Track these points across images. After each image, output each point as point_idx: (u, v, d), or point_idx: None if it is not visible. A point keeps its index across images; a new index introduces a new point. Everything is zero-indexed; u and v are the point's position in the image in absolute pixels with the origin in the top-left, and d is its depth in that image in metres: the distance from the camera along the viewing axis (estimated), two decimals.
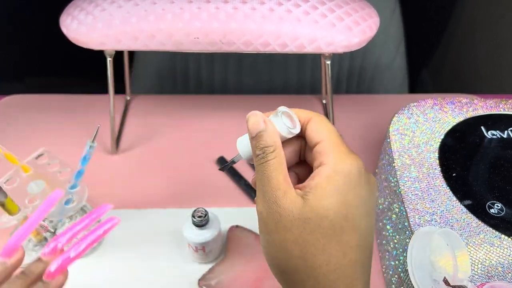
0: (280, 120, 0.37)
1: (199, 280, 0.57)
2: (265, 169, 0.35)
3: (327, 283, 0.33)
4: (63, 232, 0.38)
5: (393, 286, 0.55)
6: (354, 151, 0.85)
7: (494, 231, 0.48)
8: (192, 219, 0.57)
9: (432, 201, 0.51)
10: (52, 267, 0.36)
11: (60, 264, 0.36)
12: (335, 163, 0.34)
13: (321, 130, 0.36)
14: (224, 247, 0.61)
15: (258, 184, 0.35)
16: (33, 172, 0.57)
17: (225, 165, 0.42)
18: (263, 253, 0.36)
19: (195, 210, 0.57)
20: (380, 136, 0.77)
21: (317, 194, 0.33)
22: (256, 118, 0.38)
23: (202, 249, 0.58)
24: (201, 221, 0.57)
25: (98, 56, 0.67)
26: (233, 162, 0.41)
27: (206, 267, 0.59)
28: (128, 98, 0.84)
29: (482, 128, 0.59)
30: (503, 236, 0.47)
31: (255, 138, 0.37)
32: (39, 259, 0.38)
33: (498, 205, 0.51)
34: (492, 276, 0.46)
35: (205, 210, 0.57)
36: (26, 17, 1.20)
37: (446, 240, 0.45)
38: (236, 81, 1.06)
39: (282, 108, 0.37)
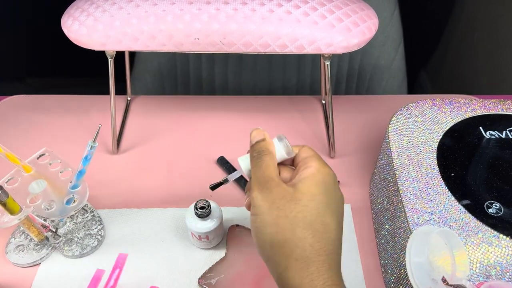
0: (282, 143, 0.45)
1: (199, 278, 0.58)
2: (261, 164, 0.43)
3: (312, 251, 0.39)
4: None
5: (392, 285, 0.55)
6: (353, 151, 0.85)
7: (492, 230, 0.48)
8: (195, 211, 0.58)
9: (431, 200, 0.52)
10: None
11: None
12: (318, 166, 0.43)
13: (309, 151, 0.45)
14: (226, 232, 0.63)
15: (253, 177, 0.43)
16: (34, 172, 0.57)
17: (217, 184, 0.49)
18: (253, 234, 0.42)
19: (197, 202, 0.59)
20: (379, 136, 0.77)
21: (306, 183, 0.42)
22: (258, 131, 0.45)
23: (206, 237, 0.59)
24: (204, 213, 0.58)
25: (99, 56, 0.67)
26: (226, 181, 0.48)
27: (206, 266, 0.59)
28: (129, 98, 0.84)
29: (481, 128, 0.59)
30: (501, 235, 0.48)
31: (254, 145, 0.45)
32: None
33: (497, 204, 0.51)
34: (490, 275, 0.46)
35: (207, 201, 0.58)
36: (27, 18, 1.20)
37: (444, 240, 0.45)
38: (236, 81, 1.06)
39: (282, 135, 0.45)
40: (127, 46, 0.63)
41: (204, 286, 0.57)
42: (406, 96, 1.04)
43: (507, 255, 0.46)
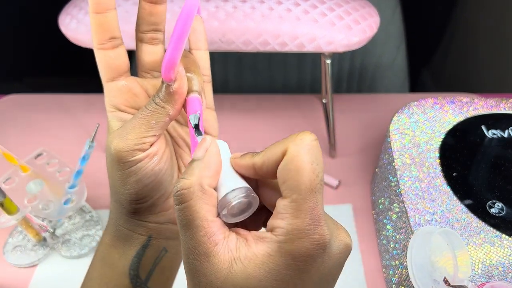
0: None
1: None
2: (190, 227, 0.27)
3: None
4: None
5: (393, 286, 0.55)
6: (354, 150, 0.84)
7: (494, 230, 0.48)
8: None
9: (433, 200, 0.51)
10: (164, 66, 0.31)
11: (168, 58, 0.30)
12: (286, 240, 0.25)
13: (292, 179, 0.25)
14: None
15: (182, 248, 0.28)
16: (32, 172, 0.57)
17: None
18: None
19: None
20: (381, 135, 0.76)
21: (247, 271, 0.26)
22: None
23: None
24: None
25: None
26: None
27: None
28: None
29: (483, 127, 0.59)
30: (503, 235, 0.47)
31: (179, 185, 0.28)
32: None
33: (499, 204, 0.50)
34: (492, 276, 0.46)
35: None
36: (25, 16, 1.20)
37: (446, 240, 0.45)
38: (236, 80, 1.06)
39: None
40: (125, 44, 0.62)
41: None
42: (408, 94, 1.03)
43: (510, 255, 0.46)
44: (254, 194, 0.28)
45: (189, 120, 0.32)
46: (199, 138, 0.31)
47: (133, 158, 0.32)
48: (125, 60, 0.36)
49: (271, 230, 0.26)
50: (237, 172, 0.29)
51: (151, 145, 0.33)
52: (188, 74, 0.33)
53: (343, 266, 0.28)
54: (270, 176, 0.27)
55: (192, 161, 0.28)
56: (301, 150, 0.25)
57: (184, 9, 0.28)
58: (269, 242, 0.26)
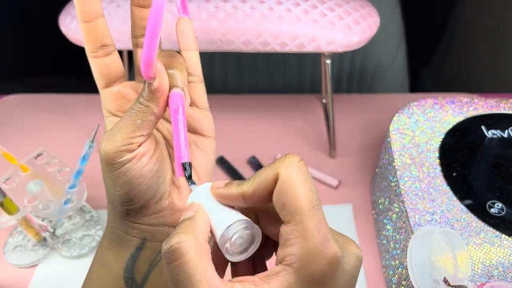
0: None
1: None
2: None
3: None
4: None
5: (393, 286, 0.55)
6: (354, 150, 0.84)
7: (494, 230, 0.48)
8: None
9: (432, 200, 0.51)
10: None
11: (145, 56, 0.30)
12: (302, 265, 0.25)
13: (291, 202, 0.25)
14: None
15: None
16: (32, 172, 0.57)
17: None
18: None
19: None
20: (381, 135, 0.76)
21: None
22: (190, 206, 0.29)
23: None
24: None
25: None
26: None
27: None
28: None
29: (483, 127, 0.59)
30: (503, 235, 0.47)
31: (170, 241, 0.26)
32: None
33: (499, 204, 0.50)
34: (492, 276, 0.46)
35: None
36: (25, 16, 1.20)
37: (446, 240, 0.45)
38: (236, 81, 1.06)
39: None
40: (125, 44, 0.62)
41: None
42: (408, 94, 1.03)
43: (509, 255, 0.46)
44: (255, 225, 0.27)
45: (170, 114, 0.32)
46: (192, 187, 0.31)
47: (121, 159, 0.32)
48: (118, 66, 0.36)
49: (282, 261, 0.25)
50: (228, 206, 0.28)
51: (139, 146, 0.33)
52: (169, 71, 0.33)
53: (357, 278, 0.27)
54: (262, 203, 0.27)
55: (183, 220, 0.28)
56: (293, 171, 0.25)
57: (152, 7, 0.28)
58: (284, 275, 0.25)
